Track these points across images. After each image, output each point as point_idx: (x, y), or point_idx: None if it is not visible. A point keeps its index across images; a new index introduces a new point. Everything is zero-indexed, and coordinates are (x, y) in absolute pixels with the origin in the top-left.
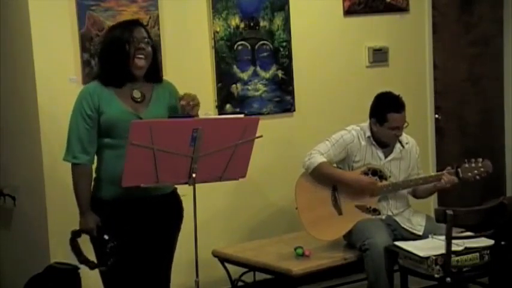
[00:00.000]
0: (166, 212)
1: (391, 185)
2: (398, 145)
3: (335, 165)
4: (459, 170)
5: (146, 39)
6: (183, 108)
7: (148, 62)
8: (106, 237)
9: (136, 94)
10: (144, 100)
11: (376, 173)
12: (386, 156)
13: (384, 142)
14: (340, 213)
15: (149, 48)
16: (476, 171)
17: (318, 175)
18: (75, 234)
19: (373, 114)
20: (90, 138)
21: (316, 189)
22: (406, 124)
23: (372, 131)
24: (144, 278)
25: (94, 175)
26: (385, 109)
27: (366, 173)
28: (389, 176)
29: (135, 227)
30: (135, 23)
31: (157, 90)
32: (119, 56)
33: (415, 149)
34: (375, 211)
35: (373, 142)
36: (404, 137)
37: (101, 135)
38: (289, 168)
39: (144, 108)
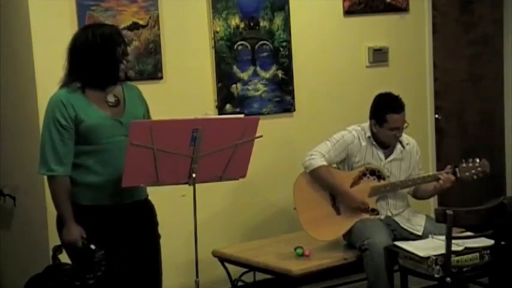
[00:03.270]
0: (144, 219)
1: (389, 184)
2: (399, 146)
3: (335, 165)
4: (457, 169)
5: (125, 42)
6: None
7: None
8: (93, 247)
9: (111, 98)
10: (119, 104)
11: (375, 173)
12: (386, 157)
13: (385, 143)
14: (338, 213)
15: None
16: (473, 171)
17: (315, 177)
18: (57, 250)
19: (372, 115)
20: (66, 150)
21: (314, 189)
22: (406, 125)
23: (372, 132)
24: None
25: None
26: (384, 110)
27: (364, 173)
28: (388, 176)
29: (117, 234)
30: (115, 27)
31: (127, 91)
32: (110, 58)
33: (416, 150)
34: (373, 211)
35: (374, 143)
36: (405, 137)
37: (79, 142)
38: (289, 168)
39: (122, 111)
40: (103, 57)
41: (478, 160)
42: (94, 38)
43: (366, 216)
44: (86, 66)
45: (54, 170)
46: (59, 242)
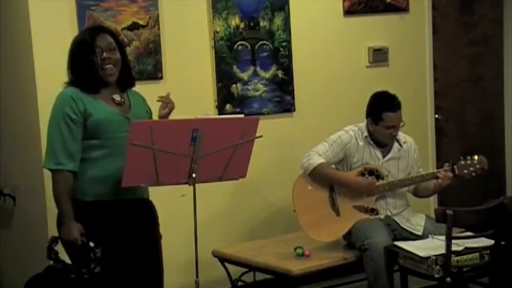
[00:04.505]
0: (145, 217)
1: (388, 184)
2: (396, 144)
3: (333, 166)
4: (455, 167)
5: (112, 45)
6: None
7: (118, 68)
8: (92, 244)
9: (117, 97)
10: (124, 103)
11: (373, 172)
12: (384, 156)
13: (381, 142)
14: (338, 214)
15: (116, 55)
16: (472, 168)
17: (316, 176)
18: (53, 242)
19: (369, 113)
20: (76, 145)
21: (313, 191)
22: (402, 123)
23: (369, 131)
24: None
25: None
26: (380, 108)
27: (362, 173)
28: (386, 176)
29: (118, 231)
30: (97, 30)
31: (131, 95)
32: (86, 66)
33: (414, 148)
34: (373, 211)
35: (371, 142)
36: (402, 136)
37: (86, 137)
38: (289, 168)
39: (128, 109)
40: (78, 64)
41: (476, 157)
42: (72, 45)
43: (366, 216)
44: (71, 73)
45: (64, 164)
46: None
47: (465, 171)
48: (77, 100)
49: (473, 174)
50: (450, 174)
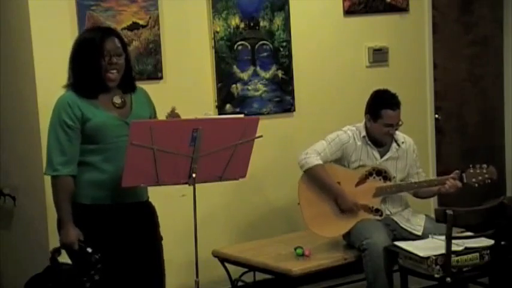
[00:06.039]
0: (145, 220)
1: (394, 186)
2: (394, 144)
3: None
4: (464, 175)
5: (119, 50)
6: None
7: (121, 74)
8: (89, 250)
9: (117, 100)
10: (125, 105)
11: (381, 173)
12: (382, 156)
13: (379, 141)
14: (342, 211)
15: (122, 61)
16: (480, 177)
17: (311, 176)
18: (56, 252)
19: (368, 110)
20: (73, 150)
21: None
22: (400, 123)
23: (367, 129)
24: None
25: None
26: (380, 105)
27: (370, 173)
28: (394, 177)
29: (118, 234)
30: (107, 32)
31: (134, 95)
32: (91, 68)
33: (413, 148)
34: (377, 211)
35: (369, 142)
36: (401, 136)
37: (85, 142)
38: (289, 168)
39: (128, 113)
40: (83, 64)
41: (485, 166)
42: (78, 44)
43: (370, 216)
44: (72, 73)
45: (59, 169)
46: (59, 243)
47: (473, 179)
48: (73, 106)
49: (481, 183)
50: (459, 183)
